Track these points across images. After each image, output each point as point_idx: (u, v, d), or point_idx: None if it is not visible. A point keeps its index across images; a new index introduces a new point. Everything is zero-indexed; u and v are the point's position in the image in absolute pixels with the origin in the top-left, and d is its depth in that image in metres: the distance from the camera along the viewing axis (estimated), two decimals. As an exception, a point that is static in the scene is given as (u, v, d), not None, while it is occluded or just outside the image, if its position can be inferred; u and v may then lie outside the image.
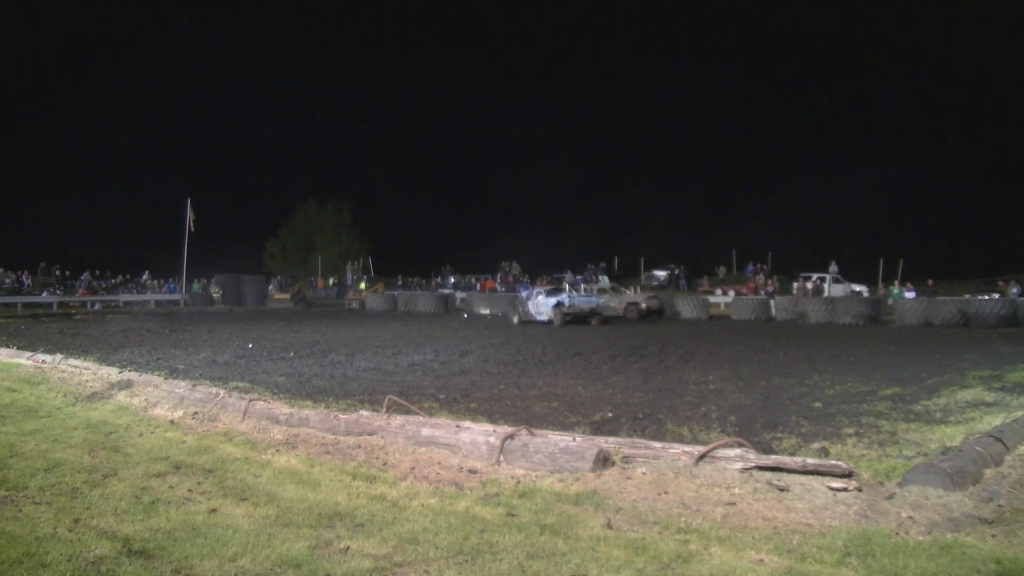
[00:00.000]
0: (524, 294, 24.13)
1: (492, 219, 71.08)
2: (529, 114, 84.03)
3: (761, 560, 3.15)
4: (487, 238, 59.07)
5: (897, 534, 3.38)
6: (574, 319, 21.07)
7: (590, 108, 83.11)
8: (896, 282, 30.01)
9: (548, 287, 25.20)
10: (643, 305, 24.45)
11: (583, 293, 24.17)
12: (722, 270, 40.89)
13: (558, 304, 21.15)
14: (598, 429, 6.13)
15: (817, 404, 7.40)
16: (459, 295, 35.54)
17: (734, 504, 3.82)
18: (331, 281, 45.07)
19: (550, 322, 21.15)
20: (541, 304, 21.80)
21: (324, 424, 5.81)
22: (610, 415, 6.87)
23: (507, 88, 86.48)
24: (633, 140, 76.59)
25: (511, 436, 4.81)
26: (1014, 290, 25.15)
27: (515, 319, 22.62)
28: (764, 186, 60.73)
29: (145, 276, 41.43)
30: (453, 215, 74.38)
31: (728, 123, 74.40)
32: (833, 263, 33.19)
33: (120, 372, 8.84)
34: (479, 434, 4.96)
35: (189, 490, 4.33)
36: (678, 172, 70.38)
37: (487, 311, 28.33)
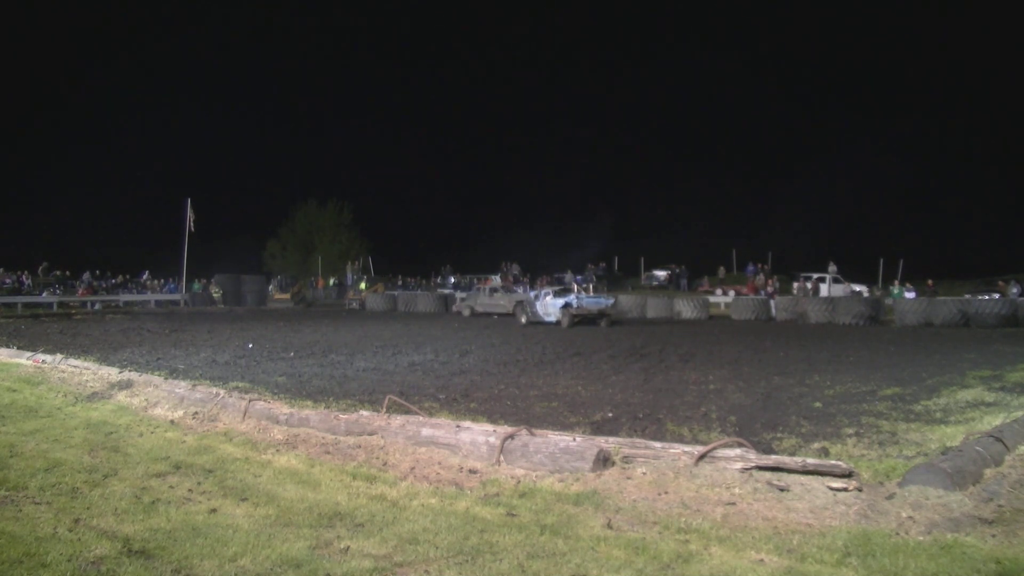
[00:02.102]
0: (532, 294, 24.09)
1: (492, 219, 71.12)
2: (530, 115, 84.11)
3: (761, 560, 3.15)
4: (487, 238, 59.13)
5: (897, 534, 3.37)
6: (582, 320, 21.10)
7: (590, 109, 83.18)
8: (896, 282, 30.01)
9: (556, 288, 25.40)
10: None
11: (591, 294, 24.39)
12: (722, 270, 40.89)
13: (566, 305, 21.15)
14: (598, 429, 6.13)
15: (817, 404, 7.40)
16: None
17: (734, 504, 3.82)
18: (331, 281, 45.06)
19: (558, 323, 21.11)
20: (549, 305, 21.81)
21: (324, 424, 5.81)
22: (610, 415, 6.86)
23: (507, 89, 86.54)
24: (634, 140, 76.69)
25: (511, 436, 4.81)
26: (1014, 290, 25.14)
27: (522, 319, 22.55)
28: (764, 186, 60.84)
29: (145, 276, 41.39)
30: (453, 215, 74.49)
31: (728, 124, 74.49)
32: (833, 263, 33.22)
33: (120, 372, 8.83)
34: (479, 434, 4.96)
35: (189, 490, 4.33)
36: (678, 172, 70.49)
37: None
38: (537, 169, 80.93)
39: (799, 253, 39.78)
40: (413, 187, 79.69)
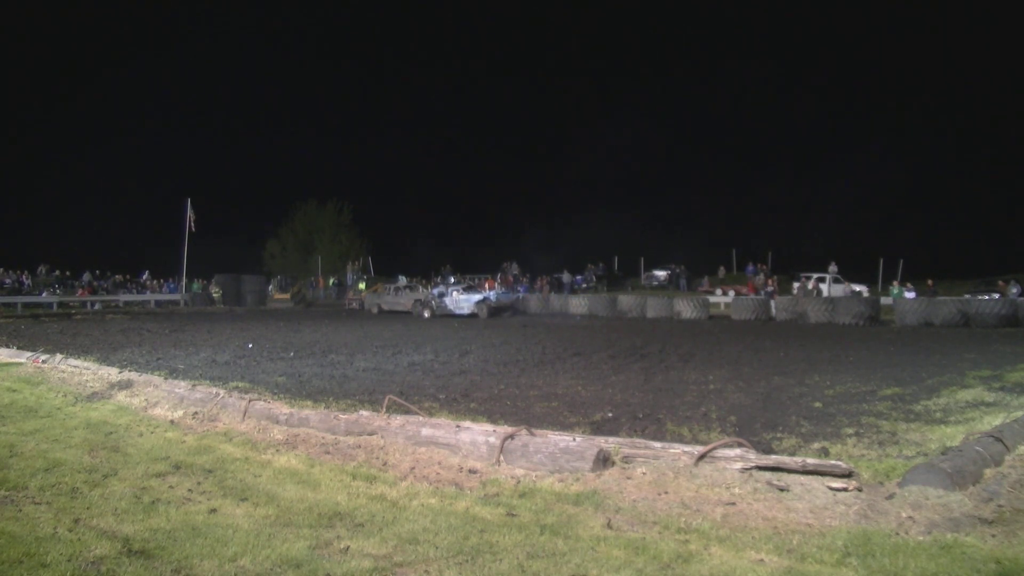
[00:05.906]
0: (436, 292, 27.97)
1: (492, 219, 71.11)
2: (528, 114, 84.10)
3: (761, 560, 3.15)
4: (488, 238, 59.15)
5: (897, 534, 3.37)
6: (495, 311, 26.01)
7: (589, 109, 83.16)
8: (896, 282, 30.00)
9: (464, 284, 29.90)
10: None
11: (502, 290, 30.56)
12: (722, 270, 40.88)
13: (484, 300, 26.18)
14: (598, 429, 6.13)
15: (817, 404, 7.40)
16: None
17: (734, 504, 3.82)
18: (331, 281, 45.05)
19: (472, 315, 25.56)
20: (461, 300, 26.43)
21: (324, 424, 5.81)
22: (610, 415, 6.86)
23: (508, 89, 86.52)
24: (632, 140, 76.66)
25: (511, 436, 4.81)
26: (1014, 290, 25.10)
27: (426, 314, 26.26)
28: (764, 186, 60.83)
29: (145, 276, 41.38)
30: (454, 215, 74.51)
31: (729, 125, 74.48)
32: (833, 263, 33.22)
33: (120, 372, 8.83)
34: (479, 434, 4.96)
35: (189, 490, 4.33)
36: (678, 172, 70.50)
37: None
38: (537, 169, 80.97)
39: (799, 253, 39.83)
40: (414, 187, 79.71)
